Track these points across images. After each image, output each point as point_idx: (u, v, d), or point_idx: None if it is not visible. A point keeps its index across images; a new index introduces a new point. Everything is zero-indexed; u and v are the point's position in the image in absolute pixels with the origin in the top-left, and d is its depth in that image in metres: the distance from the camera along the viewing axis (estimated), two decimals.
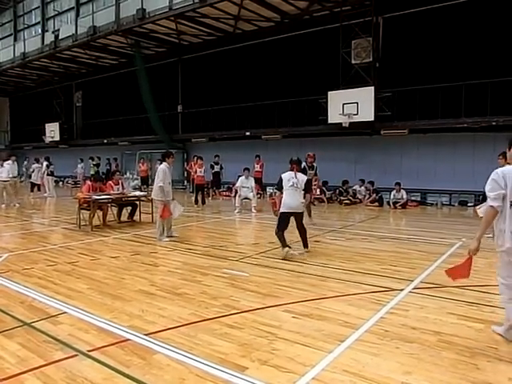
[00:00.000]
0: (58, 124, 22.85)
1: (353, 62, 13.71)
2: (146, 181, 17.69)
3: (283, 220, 6.18)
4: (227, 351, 3.10)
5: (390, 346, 3.18)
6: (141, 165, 18.24)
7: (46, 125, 23.35)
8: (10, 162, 13.21)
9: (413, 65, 13.21)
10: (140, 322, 3.67)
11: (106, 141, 21.34)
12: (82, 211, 8.74)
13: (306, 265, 5.68)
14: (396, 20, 13.56)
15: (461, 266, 3.44)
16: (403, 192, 12.62)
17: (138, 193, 9.59)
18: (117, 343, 3.24)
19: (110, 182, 9.25)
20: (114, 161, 20.18)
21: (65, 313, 3.88)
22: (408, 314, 3.81)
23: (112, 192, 8.99)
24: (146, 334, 3.38)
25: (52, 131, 22.97)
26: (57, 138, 22.74)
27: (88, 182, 9.27)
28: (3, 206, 12.75)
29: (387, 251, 6.57)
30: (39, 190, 16.47)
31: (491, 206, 3.12)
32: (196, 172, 13.61)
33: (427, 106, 12.79)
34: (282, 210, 6.23)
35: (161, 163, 7.73)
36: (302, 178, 6.45)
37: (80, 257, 6.18)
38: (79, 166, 21.64)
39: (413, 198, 13.34)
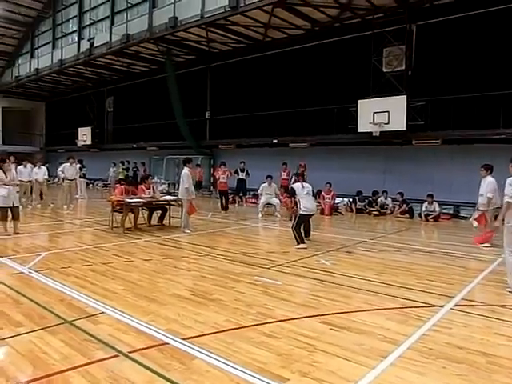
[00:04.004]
0: (90, 128, 23.56)
1: (384, 70, 13.54)
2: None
3: (303, 220, 7.57)
4: (266, 360, 3.06)
5: (435, 365, 3.05)
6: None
7: (79, 129, 24.12)
8: (68, 164, 13.59)
9: (447, 73, 12.91)
10: (177, 326, 3.68)
11: (135, 145, 21.82)
12: (115, 213, 8.92)
13: (339, 276, 5.58)
14: (430, 27, 13.31)
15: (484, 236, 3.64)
16: (436, 204, 12.27)
17: (168, 197, 9.72)
18: (156, 346, 3.25)
19: (142, 185, 9.41)
20: (141, 165, 20.56)
21: (103, 313, 3.95)
22: (452, 333, 3.66)
23: (143, 196, 9.14)
24: (183, 339, 3.39)
25: (84, 135, 23.70)
26: (88, 142, 23.45)
27: (121, 186, 9.46)
28: (39, 205, 13.19)
29: (422, 265, 6.39)
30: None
31: (508, 202, 4.97)
32: (219, 178, 13.80)
33: (462, 115, 12.44)
34: (302, 212, 7.48)
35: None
36: (309, 185, 7.79)
37: (114, 258, 6.30)
38: (111, 169, 22.12)
39: (444, 211, 12.92)
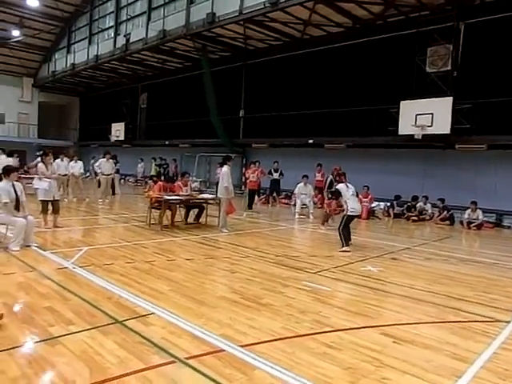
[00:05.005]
0: (123, 124, 23.88)
1: (428, 70, 12.99)
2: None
3: (350, 221, 7.46)
4: (332, 375, 2.88)
5: None
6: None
7: (112, 124, 24.49)
8: (104, 159, 13.78)
9: (494, 75, 12.25)
10: (231, 331, 3.52)
11: (167, 142, 21.96)
12: (152, 210, 8.89)
13: (390, 284, 5.32)
14: (479, 26, 12.64)
15: None
16: (479, 212, 11.69)
17: (206, 195, 9.61)
18: (213, 353, 3.10)
19: (179, 183, 9.35)
20: (173, 162, 20.66)
21: (153, 313, 3.83)
22: None
23: (181, 193, 9.07)
24: (240, 346, 3.22)
25: (117, 131, 24.05)
26: (121, 138, 23.76)
27: (160, 182, 9.42)
28: (75, 199, 13.40)
29: (474, 276, 6.08)
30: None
31: None
32: (249, 177, 13.69)
33: (509, 120, 11.79)
34: (350, 213, 7.35)
35: (221, 166, 9.05)
36: (353, 186, 7.64)
37: (156, 256, 6.21)
38: (139, 165, 22.43)
39: (485, 219, 12.28)
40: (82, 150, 28.73)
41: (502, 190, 12.30)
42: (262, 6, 13.63)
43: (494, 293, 5.18)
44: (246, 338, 3.40)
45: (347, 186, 7.50)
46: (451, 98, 11.87)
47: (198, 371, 2.82)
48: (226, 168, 8.70)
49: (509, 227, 12.30)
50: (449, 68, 12.57)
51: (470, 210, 11.81)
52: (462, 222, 11.95)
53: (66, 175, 13.16)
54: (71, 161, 13.69)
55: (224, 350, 3.14)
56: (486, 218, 12.01)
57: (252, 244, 7.58)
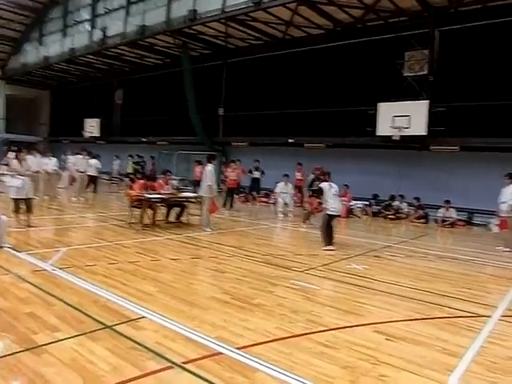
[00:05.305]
0: (97, 120, 23.19)
1: (405, 74, 13.33)
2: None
3: (331, 220, 7.43)
4: (332, 374, 2.90)
5: (507, 380, 2.95)
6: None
7: (86, 120, 23.74)
8: (80, 156, 13.29)
9: (468, 80, 12.70)
10: (226, 333, 3.47)
11: (144, 139, 21.50)
12: (133, 209, 8.67)
13: (376, 281, 5.43)
14: (453, 33, 13.11)
15: None
16: (452, 210, 12.12)
17: (188, 194, 9.47)
18: (210, 356, 3.04)
19: (161, 181, 9.16)
20: (150, 159, 20.26)
21: (144, 317, 3.71)
22: (509, 346, 3.60)
23: (163, 192, 8.90)
24: (237, 348, 3.18)
25: (91, 126, 23.35)
26: (96, 134, 23.09)
27: (141, 181, 9.20)
28: (46, 197, 12.88)
29: (454, 272, 6.33)
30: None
31: None
32: (228, 176, 13.61)
33: (481, 123, 12.26)
34: (331, 212, 7.35)
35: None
36: (336, 185, 7.63)
37: (139, 256, 6.05)
38: (115, 162, 21.84)
39: (458, 217, 12.74)
40: (52, 145, 27.66)
41: (474, 190, 12.76)
42: (245, 6, 13.57)
43: (474, 289, 5.41)
44: (242, 339, 3.36)
45: (330, 186, 7.52)
46: (427, 101, 12.25)
47: (198, 376, 2.75)
48: (210, 167, 8.60)
49: (479, 225, 12.81)
50: (425, 72, 12.95)
51: (443, 209, 12.23)
52: (436, 221, 12.36)
53: (37, 172, 12.64)
54: (44, 157, 13.16)
55: (221, 353, 3.09)
56: (458, 217, 12.46)
57: (236, 243, 7.53)
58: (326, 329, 3.69)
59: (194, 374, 2.78)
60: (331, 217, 7.40)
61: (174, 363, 2.89)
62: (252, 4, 13.26)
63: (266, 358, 3.03)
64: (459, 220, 12.54)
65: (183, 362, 2.91)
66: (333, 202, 7.37)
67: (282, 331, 3.58)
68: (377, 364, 3.08)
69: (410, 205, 13.34)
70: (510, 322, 4.19)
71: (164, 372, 2.79)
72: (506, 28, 12.13)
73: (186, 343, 3.24)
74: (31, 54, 25.68)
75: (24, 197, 7.74)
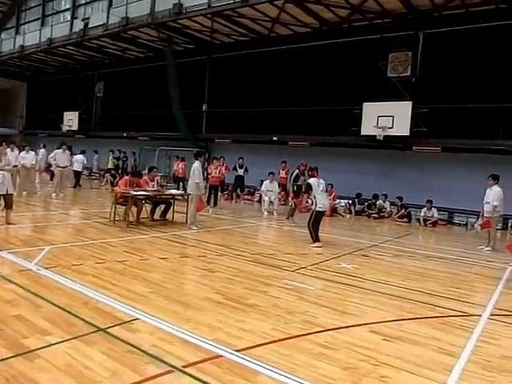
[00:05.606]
0: (76, 113, 22.54)
1: (389, 74, 13.51)
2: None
3: (320, 218, 7.49)
4: (334, 376, 2.88)
5: (502, 379, 3.01)
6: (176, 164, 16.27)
7: (65, 113, 23.03)
8: (60, 150, 12.85)
9: (450, 82, 13.00)
10: (223, 335, 3.40)
11: (125, 134, 21.04)
12: (117, 206, 8.45)
13: (367, 281, 5.47)
14: (437, 36, 13.36)
15: None
16: (434, 210, 12.38)
17: (174, 191, 9.31)
18: (210, 359, 2.97)
19: (146, 177, 8.98)
20: (132, 155, 19.87)
21: (137, 319, 3.60)
22: (501, 344, 3.67)
23: (148, 188, 8.71)
24: (236, 350, 3.12)
25: (70, 120, 22.67)
26: (75, 128, 22.44)
27: (125, 177, 8.98)
28: (25, 193, 12.44)
29: (441, 271, 6.44)
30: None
31: None
32: (211, 173, 13.48)
33: (463, 125, 12.56)
34: (319, 209, 7.38)
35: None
36: (323, 181, 7.72)
37: (127, 255, 5.90)
38: (94, 157, 21.33)
39: (440, 217, 13.05)
40: (28, 138, 26.70)
41: (454, 190, 13.09)
42: (232, 1, 13.42)
43: (462, 288, 5.51)
44: (241, 341, 3.30)
45: (318, 181, 7.53)
46: (410, 102, 12.44)
47: (199, 380, 2.68)
48: (197, 163, 8.49)
49: (459, 224, 13.16)
50: (408, 74, 13.17)
51: (425, 209, 12.49)
52: (418, 220, 12.61)
53: (15, 166, 12.17)
54: (22, 151, 12.69)
55: (221, 356, 3.02)
56: (440, 216, 12.76)
57: (224, 241, 7.46)
58: (322, 329, 3.68)
59: (195, 377, 2.70)
60: (320, 214, 7.44)
61: (173, 367, 2.81)
62: (239, 0, 13.12)
63: (267, 361, 2.99)
64: (440, 219, 12.84)
65: (183, 366, 2.83)
66: (321, 198, 7.42)
67: (279, 332, 3.54)
68: (377, 365, 3.08)
69: (392, 204, 13.56)
70: (499, 321, 4.27)
71: (164, 376, 2.70)
72: (488, 33, 12.46)
73: (183, 346, 3.16)
74: (6, 43, 24.71)
75: (4, 192, 7.42)
